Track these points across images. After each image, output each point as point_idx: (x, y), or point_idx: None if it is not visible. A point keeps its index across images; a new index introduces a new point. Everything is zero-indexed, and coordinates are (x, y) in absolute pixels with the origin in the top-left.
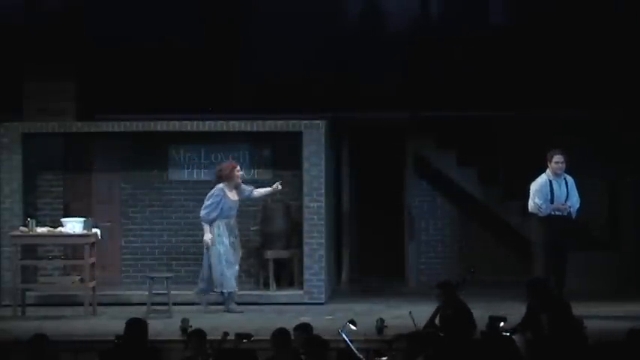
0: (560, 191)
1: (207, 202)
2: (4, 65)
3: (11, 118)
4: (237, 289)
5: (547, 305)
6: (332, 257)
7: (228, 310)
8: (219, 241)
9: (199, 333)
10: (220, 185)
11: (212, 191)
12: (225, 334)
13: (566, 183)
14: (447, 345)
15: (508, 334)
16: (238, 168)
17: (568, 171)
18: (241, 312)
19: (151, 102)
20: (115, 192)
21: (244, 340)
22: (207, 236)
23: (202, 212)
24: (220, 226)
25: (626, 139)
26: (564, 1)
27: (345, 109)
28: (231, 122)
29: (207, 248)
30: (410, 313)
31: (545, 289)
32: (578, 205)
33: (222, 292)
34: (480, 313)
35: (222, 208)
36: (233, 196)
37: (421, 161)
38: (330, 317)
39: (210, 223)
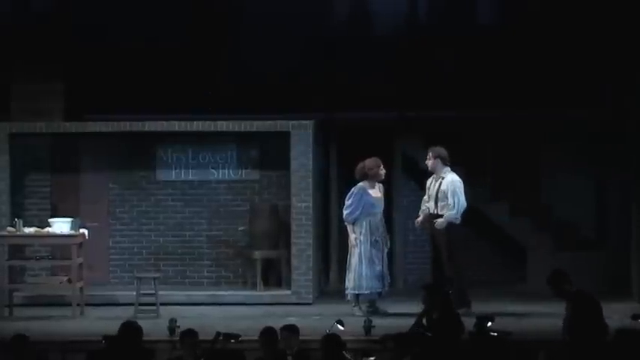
0: (432, 189)
1: (347, 202)
2: None
3: None
4: (381, 290)
5: (570, 298)
6: (320, 257)
7: (374, 312)
8: (361, 241)
9: (191, 333)
10: (360, 184)
11: (351, 190)
12: (218, 334)
13: (441, 183)
14: (435, 345)
15: (496, 333)
16: (382, 166)
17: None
18: (385, 314)
19: (138, 102)
20: (103, 192)
21: (232, 341)
22: (352, 236)
23: (344, 213)
24: (364, 224)
25: (613, 139)
26: (551, 1)
27: (333, 109)
28: (219, 122)
29: (353, 249)
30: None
31: (566, 280)
32: (448, 209)
33: (379, 293)
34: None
35: (363, 206)
36: (375, 193)
37: (409, 161)
38: (318, 317)
39: (354, 222)
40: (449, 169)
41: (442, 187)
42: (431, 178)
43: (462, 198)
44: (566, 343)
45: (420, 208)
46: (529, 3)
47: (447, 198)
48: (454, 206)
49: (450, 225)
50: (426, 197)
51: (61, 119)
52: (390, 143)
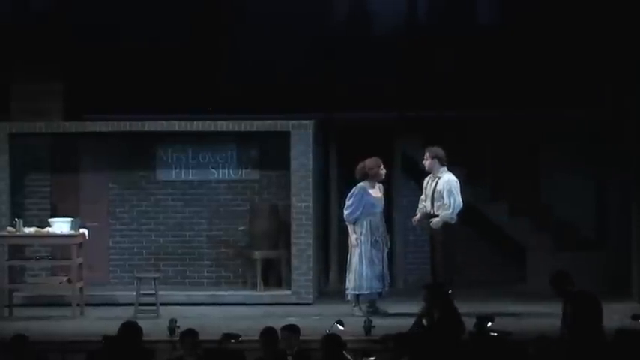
0: (429, 189)
1: (348, 202)
2: None
3: None
4: (382, 290)
5: (571, 298)
6: (320, 257)
7: (374, 312)
8: (361, 241)
9: (191, 333)
10: (361, 184)
11: (352, 190)
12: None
13: (437, 183)
14: (435, 345)
15: (496, 333)
16: (382, 165)
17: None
18: (385, 314)
19: (138, 102)
20: (103, 192)
21: (232, 341)
22: (353, 236)
23: (345, 213)
24: (364, 224)
25: (613, 139)
26: (550, 1)
27: (333, 109)
28: (219, 122)
29: (353, 248)
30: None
31: (568, 280)
32: (443, 209)
33: (379, 293)
34: (467, 311)
35: (364, 206)
36: (376, 193)
37: (409, 161)
38: (318, 317)
39: (354, 222)
40: (446, 169)
41: (438, 187)
42: (428, 177)
43: (458, 198)
44: (563, 341)
45: (417, 207)
46: (528, 3)
47: (442, 198)
48: (450, 206)
49: (446, 225)
50: (423, 197)
51: (60, 119)
52: (390, 143)
